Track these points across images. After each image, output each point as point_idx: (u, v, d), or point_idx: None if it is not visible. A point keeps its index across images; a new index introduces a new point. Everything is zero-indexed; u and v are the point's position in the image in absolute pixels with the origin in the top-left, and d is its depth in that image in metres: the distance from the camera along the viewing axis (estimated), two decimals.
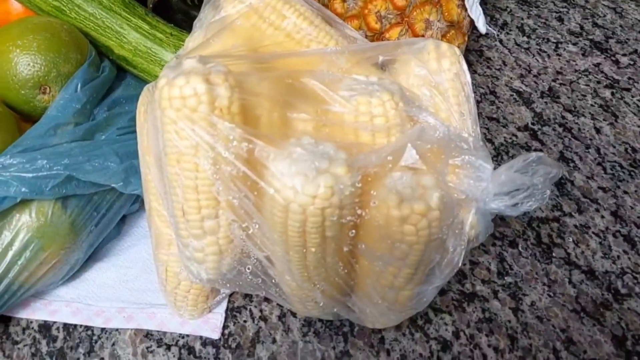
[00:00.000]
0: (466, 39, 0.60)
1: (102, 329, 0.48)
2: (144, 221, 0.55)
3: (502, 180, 0.41)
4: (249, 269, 0.42)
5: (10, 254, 0.44)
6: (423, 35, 0.57)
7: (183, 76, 0.36)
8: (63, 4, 0.53)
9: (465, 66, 0.47)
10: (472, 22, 0.60)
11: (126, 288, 0.50)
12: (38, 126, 0.46)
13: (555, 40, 0.78)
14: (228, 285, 0.43)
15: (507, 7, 0.84)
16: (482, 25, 0.60)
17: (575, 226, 0.56)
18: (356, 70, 0.44)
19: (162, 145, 0.38)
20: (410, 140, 0.37)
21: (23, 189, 0.43)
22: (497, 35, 0.77)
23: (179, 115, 0.36)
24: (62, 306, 0.49)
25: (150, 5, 0.58)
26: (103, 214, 0.49)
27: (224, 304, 0.49)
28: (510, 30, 0.80)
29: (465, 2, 0.58)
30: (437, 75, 0.46)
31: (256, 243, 0.39)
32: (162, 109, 0.36)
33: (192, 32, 0.49)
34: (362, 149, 0.38)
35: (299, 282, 0.41)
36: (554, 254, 0.54)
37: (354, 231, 0.37)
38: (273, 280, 0.43)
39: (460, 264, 0.42)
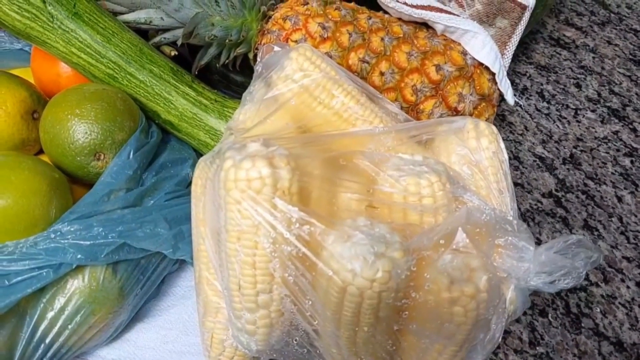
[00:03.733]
0: (495, 110, 0.63)
1: None
2: (182, 281, 0.57)
3: (543, 261, 0.42)
4: (296, 340, 0.43)
5: (62, 318, 0.45)
6: (456, 108, 0.60)
7: (249, 159, 0.38)
8: (116, 72, 0.56)
9: (502, 144, 0.49)
10: (500, 94, 0.63)
11: (166, 350, 0.51)
12: (93, 193, 0.48)
13: (574, 107, 0.81)
14: (275, 355, 0.44)
15: (527, 72, 0.87)
16: (510, 98, 0.63)
17: (602, 296, 0.57)
18: (401, 149, 0.46)
19: (224, 222, 0.39)
20: (460, 224, 0.39)
21: (79, 256, 0.44)
22: (523, 104, 0.80)
23: (244, 196, 0.38)
24: None
25: (196, 72, 0.61)
26: (148, 277, 0.51)
27: None
28: (531, 95, 0.83)
29: (496, 77, 0.61)
30: (476, 154, 0.48)
31: (306, 317, 0.41)
32: (227, 189, 0.38)
33: (242, 104, 0.51)
34: (412, 229, 0.40)
35: (346, 356, 0.42)
36: (582, 324, 0.55)
37: (407, 313, 0.38)
38: (318, 351, 0.44)
39: (500, 339, 0.43)
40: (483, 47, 0.61)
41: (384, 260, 0.36)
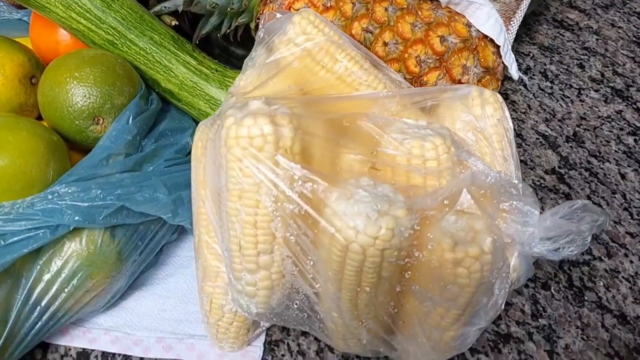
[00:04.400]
0: (499, 84, 0.62)
1: (141, 359, 0.48)
2: (181, 251, 0.56)
3: (547, 226, 0.42)
4: (296, 304, 0.43)
5: (58, 281, 0.44)
6: (460, 80, 0.59)
7: (251, 117, 0.37)
8: (115, 38, 0.55)
9: (507, 113, 0.49)
10: (505, 67, 0.62)
11: (164, 318, 0.51)
12: (91, 156, 0.48)
13: (577, 87, 0.80)
14: (274, 319, 0.44)
15: (530, 52, 0.86)
16: (514, 72, 0.62)
17: (606, 270, 0.57)
18: (405, 114, 0.46)
19: (225, 181, 0.39)
20: (464, 185, 0.38)
21: (76, 218, 0.44)
22: (527, 81, 0.79)
23: (245, 153, 0.37)
24: (100, 334, 0.49)
25: (197, 42, 0.60)
26: (147, 244, 0.50)
27: (262, 337, 0.50)
28: (534, 75, 0.82)
29: (501, 49, 0.60)
30: (481, 121, 0.47)
31: (307, 279, 0.40)
32: (229, 147, 0.38)
33: (243, 69, 0.50)
34: (416, 190, 0.40)
35: (347, 320, 0.41)
36: (585, 298, 0.54)
37: (409, 272, 0.38)
38: (318, 316, 0.43)
39: (502, 306, 0.43)
40: (488, 19, 0.60)
41: (387, 217, 0.35)
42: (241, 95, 0.44)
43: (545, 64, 0.84)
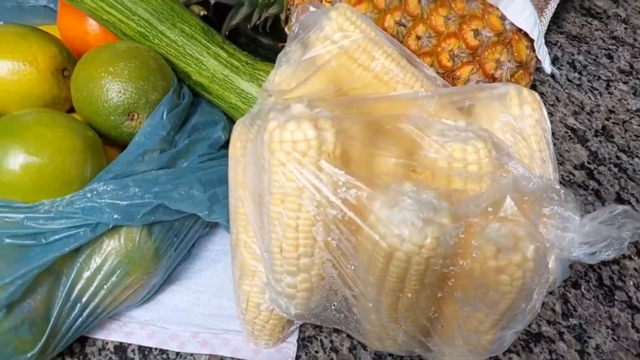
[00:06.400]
0: (532, 78, 0.61)
1: (177, 353, 0.49)
2: (213, 245, 0.56)
3: (587, 231, 0.42)
4: (334, 305, 0.43)
5: (98, 278, 0.45)
6: (493, 75, 0.58)
7: (294, 121, 0.37)
8: (147, 30, 0.54)
9: (545, 112, 0.48)
10: (537, 61, 0.61)
11: (199, 312, 0.51)
12: (127, 152, 0.47)
13: (606, 78, 0.79)
14: (312, 319, 0.44)
15: (557, 41, 0.85)
16: (547, 66, 0.61)
17: (636, 269, 0.57)
18: (444, 114, 0.45)
19: (267, 185, 0.39)
20: (507, 191, 0.38)
21: (115, 216, 0.44)
22: (556, 76, 0.78)
23: (288, 158, 0.37)
24: (137, 328, 0.50)
25: (226, 33, 0.59)
26: (181, 239, 0.50)
27: (296, 334, 0.50)
28: (562, 65, 0.81)
29: (534, 43, 0.59)
30: (519, 121, 0.47)
31: (347, 282, 0.40)
32: (272, 151, 0.37)
33: (276, 65, 0.50)
34: (457, 196, 0.39)
35: (385, 322, 0.41)
36: (616, 297, 0.54)
37: (453, 280, 0.38)
38: (355, 317, 0.43)
39: (539, 310, 0.43)
40: (522, 11, 0.59)
41: (433, 226, 0.35)
42: (278, 94, 0.44)
43: (573, 54, 0.83)
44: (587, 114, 0.74)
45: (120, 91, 0.48)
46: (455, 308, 0.40)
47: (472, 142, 0.41)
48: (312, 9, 0.52)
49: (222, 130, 0.56)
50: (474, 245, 0.37)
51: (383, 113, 0.43)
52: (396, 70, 0.47)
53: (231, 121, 0.60)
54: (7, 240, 0.42)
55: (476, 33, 0.57)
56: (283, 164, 0.37)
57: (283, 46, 0.68)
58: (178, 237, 0.49)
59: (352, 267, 0.39)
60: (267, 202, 0.39)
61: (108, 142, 0.52)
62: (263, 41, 0.70)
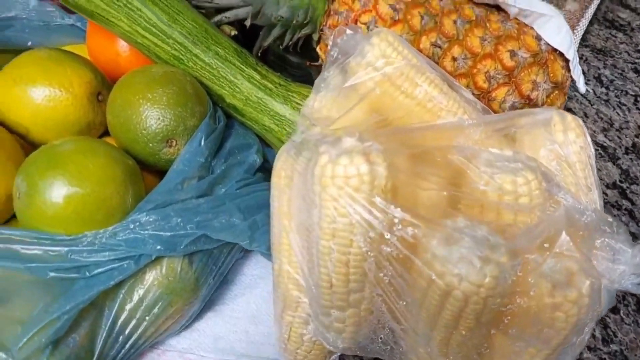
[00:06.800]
0: (566, 98, 0.61)
1: None
2: (247, 269, 0.56)
3: (638, 263, 0.41)
4: (381, 338, 0.42)
5: (140, 310, 0.44)
6: (529, 96, 0.57)
7: (346, 156, 0.37)
8: (181, 54, 0.54)
9: (589, 138, 0.47)
10: (572, 81, 0.61)
11: (237, 339, 0.51)
12: (167, 181, 0.47)
13: (633, 93, 0.78)
14: (358, 351, 0.44)
15: (583, 55, 0.84)
16: (582, 86, 0.61)
17: None
18: (489, 143, 0.45)
19: (317, 219, 0.38)
20: (561, 226, 0.38)
21: (158, 247, 0.43)
22: (590, 92, 0.77)
23: (341, 193, 0.36)
24: (175, 357, 0.49)
25: (258, 54, 0.59)
26: (220, 266, 0.50)
27: None
28: (588, 80, 0.80)
29: (570, 64, 0.59)
30: (564, 148, 0.46)
31: (396, 317, 0.40)
32: (323, 186, 0.37)
33: (315, 90, 0.49)
34: (511, 230, 0.39)
35: (434, 356, 0.41)
36: None
37: (509, 318, 0.37)
38: (401, 349, 0.43)
39: (587, 340, 0.42)
40: (558, 32, 0.59)
41: (492, 265, 0.34)
42: (322, 123, 0.43)
43: (599, 68, 0.82)
44: (617, 130, 0.73)
45: (159, 118, 0.47)
46: (507, 343, 0.40)
47: (523, 174, 0.40)
48: (348, 32, 0.51)
49: (256, 153, 0.55)
50: (531, 283, 0.36)
51: (430, 143, 0.43)
52: (439, 97, 0.47)
53: (263, 143, 0.59)
54: (52, 274, 0.41)
55: (512, 54, 0.57)
56: (335, 199, 0.37)
57: (311, 64, 0.68)
58: (217, 265, 0.49)
59: (404, 303, 0.38)
60: (316, 236, 0.39)
61: (144, 167, 0.51)
62: (292, 59, 0.70)
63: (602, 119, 0.74)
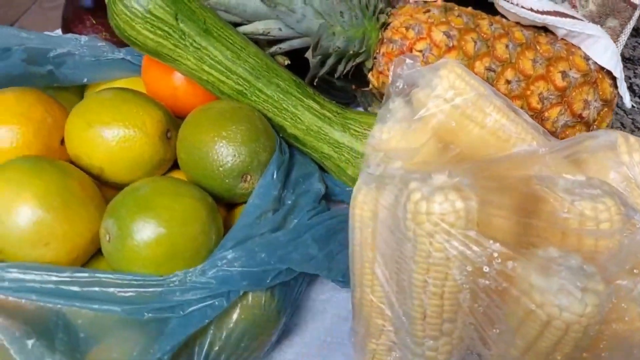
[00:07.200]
0: (612, 115, 0.62)
1: None
2: (314, 294, 0.57)
3: None
4: None
5: (229, 345, 0.45)
6: (580, 114, 0.59)
7: (441, 193, 0.38)
8: (245, 88, 0.55)
9: None
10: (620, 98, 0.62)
11: None
12: (245, 216, 0.48)
13: None
14: None
15: None
16: (628, 101, 0.62)
17: None
18: (562, 169, 0.46)
19: (412, 254, 0.39)
20: None
21: (245, 283, 0.44)
22: (635, 106, 0.79)
23: (437, 229, 0.38)
24: None
25: (315, 83, 0.60)
26: (295, 295, 0.51)
27: None
28: None
29: (618, 81, 0.60)
30: (631, 169, 0.48)
31: (487, 344, 0.41)
32: (418, 222, 0.38)
33: (380, 120, 0.50)
34: (597, 257, 0.40)
35: None
36: None
37: (605, 342, 0.38)
38: None
39: None
40: (605, 51, 0.60)
41: (591, 294, 0.35)
42: (403, 158, 0.45)
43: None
44: None
45: (234, 155, 0.49)
46: None
47: (602, 200, 0.41)
48: (408, 61, 0.52)
49: (318, 182, 0.56)
50: (624, 308, 0.37)
51: (507, 173, 0.44)
52: (508, 125, 0.48)
53: (321, 169, 0.61)
54: (148, 315, 0.42)
55: (564, 75, 0.58)
56: (431, 235, 0.38)
57: (358, 88, 0.70)
58: (293, 293, 0.50)
59: (497, 331, 0.40)
60: (409, 269, 0.40)
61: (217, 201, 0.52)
62: (336, 83, 0.71)
63: (638, 129, 0.76)
